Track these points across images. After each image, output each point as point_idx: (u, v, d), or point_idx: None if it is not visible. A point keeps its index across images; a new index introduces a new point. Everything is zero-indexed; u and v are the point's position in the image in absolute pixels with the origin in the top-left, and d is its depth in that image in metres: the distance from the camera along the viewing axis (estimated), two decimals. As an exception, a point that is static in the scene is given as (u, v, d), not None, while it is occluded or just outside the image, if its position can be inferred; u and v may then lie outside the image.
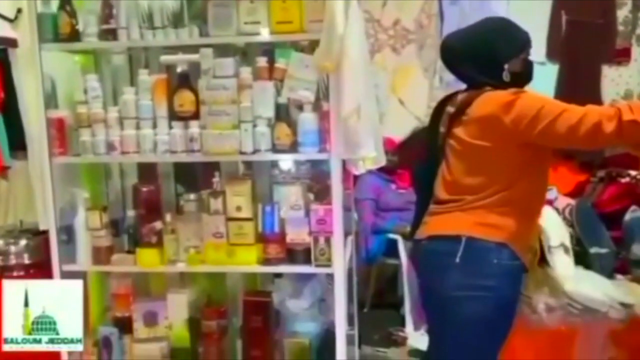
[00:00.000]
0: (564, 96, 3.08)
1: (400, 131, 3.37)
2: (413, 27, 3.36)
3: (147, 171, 2.17)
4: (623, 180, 1.97)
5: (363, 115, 1.81)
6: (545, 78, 3.21)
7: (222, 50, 1.93)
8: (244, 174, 2.11)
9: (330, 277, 1.90)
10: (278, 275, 2.10)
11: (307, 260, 1.89)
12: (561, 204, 1.99)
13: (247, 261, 1.91)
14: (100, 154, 1.94)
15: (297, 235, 1.90)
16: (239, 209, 1.91)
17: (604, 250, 1.79)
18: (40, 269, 2.17)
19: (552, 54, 3.17)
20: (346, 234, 2.02)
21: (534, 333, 1.68)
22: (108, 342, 2.00)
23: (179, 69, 1.89)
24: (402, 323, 2.97)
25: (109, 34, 1.91)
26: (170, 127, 1.90)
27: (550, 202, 1.91)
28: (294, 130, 1.87)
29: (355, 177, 2.83)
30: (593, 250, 1.79)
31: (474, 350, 1.53)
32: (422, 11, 3.34)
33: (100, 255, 1.98)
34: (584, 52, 3.14)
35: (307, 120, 1.86)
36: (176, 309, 2.00)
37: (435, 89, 3.36)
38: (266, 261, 1.91)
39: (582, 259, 1.83)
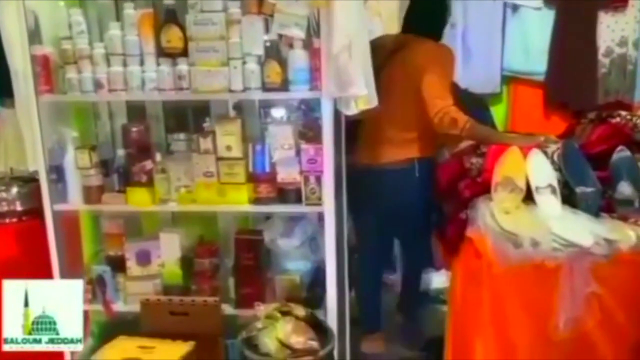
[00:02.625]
0: (560, 42, 3.10)
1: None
2: (408, -29, 3.26)
3: (135, 111, 2.15)
4: (613, 121, 1.97)
5: (354, 52, 1.78)
6: (541, 23, 3.16)
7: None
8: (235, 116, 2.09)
9: (320, 215, 1.92)
10: (270, 214, 2.11)
11: (297, 200, 1.90)
12: (551, 148, 1.99)
13: (238, 200, 1.92)
14: (87, 92, 1.90)
15: (287, 174, 1.90)
16: (229, 148, 1.91)
17: (589, 189, 1.80)
18: (32, 215, 2.19)
19: (550, -1, 3.11)
20: (338, 181, 2.03)
21: (518, 268, 1.71)
22: (102, 280, 2.03)
23: (165, 3, 1.84)
24: (393, 268, 3.03)
25: (93, -33, 1.85)
26: (158, 64, 1.87)
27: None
28: (284, 68, 1.84)
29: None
30: (579, 189, 1.80)
31: None
32: (418, -47, 3.24)
33: (91, 194, 1.98)
34: (581, -3, 3.08)
35: (298, 57, 1.83)
36: (169, 248, 2.03)
37: (429, 36, 3.30)
38: (257, 200, 1.93)
39: (568, 199, 1.84)
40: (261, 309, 1.78)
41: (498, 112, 3.34)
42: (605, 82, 3.11)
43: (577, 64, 3.09)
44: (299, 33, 1.82)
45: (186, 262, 2.03)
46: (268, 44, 1.84)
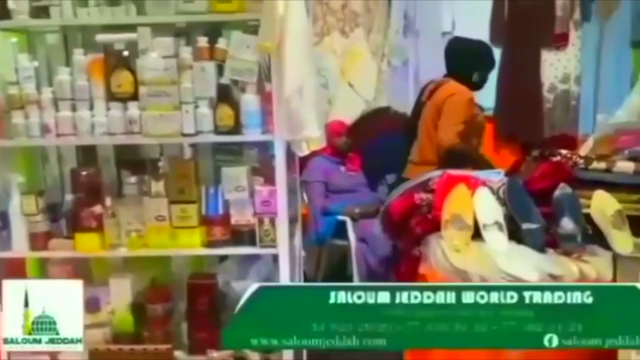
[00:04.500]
0: (506, 79, 3.24)
1: (349, 114, 3.41)
2: (361, 11, 3.38)
3: (86, 154, 2.12)
4: (555, 159, 2.06)
5: (306, 95, 1.82)
6: (489, 61, 3.31)
7: (162, 30, 1.89)
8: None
9: (275, 257, 1.92)
10: (224, 257, 2.10)
11: (252, 242, 1.90)
12: (496, 183, 2.05)
13: (190, 244, 1.90)
14: (34, 137, 1.87)
15: (241, 216, 1.91)
16: (181, 191, 1.90)
17: (534, 226, 1.86)
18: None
19: (495, 37, 3.26)
20: (293, 220, 2.04)
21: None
22: (49, 329, 1.95)
23: (116, 48, 1.84)
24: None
25: (41, 12, 1.84)
26: (108, 109, 1.86)
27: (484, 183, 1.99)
28: (237, 111, 1.86)
29: (305, 160, 2.85)
30: (525, 226, 1.86)
31: None
32: (370, -6, 3.37)
33: (37, 241, 1.92)
34: (525, 36, 3.24)
35: (250, 101, 1.86)
36: (119, 294, 1.97)
37: (383, 73, 3.41)
38: (210, 243, 1.91)
39: (515, 235, 1.90)
40: (214, 356, 1.75)
41: (452, 146, 3.46)
42: (550, 117, 3.26)
43: (524, 100, 3.24)
44: (250, 78, 1.85)
45: (137, 308, 1.98)
46: (221, 88, 1.86)
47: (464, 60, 2.65)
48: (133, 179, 1.97)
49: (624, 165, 1.94)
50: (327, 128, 3.21)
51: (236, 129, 1.87)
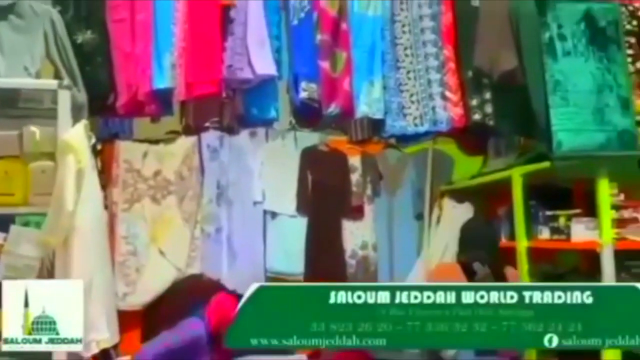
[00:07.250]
0: (312, 245, 3.48)
1: (159, 283, 3.25)
2: (174, 179, 3.41)
3: None
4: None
5: (94, 293, 1.70)
6: (296, 229, 3.55)
7: None
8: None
9: None
10: None
11: None
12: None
13: None
14: None
15: None
16: None
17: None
18: None
19: (301, 208, 3.55)
20: None
21: None
22: None
23: None
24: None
25: None
26: None
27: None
28: (8, 313, 1.63)
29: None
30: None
31: None
32: (183, 164, 3.45)
33: None
34: (326, 207, 3.59)
35: (27, 302, 1.66)
36: None
37: (196, 239, 3.39)
38: None
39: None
40: None
41: (265, 312, 3.48)
42: (353, 281, 3.52)
43: (329, 265, 3.49)
44: (29, 275, 1.68)
45: None
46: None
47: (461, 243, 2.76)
48: None
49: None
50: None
51: (6, 334, 1.62)
